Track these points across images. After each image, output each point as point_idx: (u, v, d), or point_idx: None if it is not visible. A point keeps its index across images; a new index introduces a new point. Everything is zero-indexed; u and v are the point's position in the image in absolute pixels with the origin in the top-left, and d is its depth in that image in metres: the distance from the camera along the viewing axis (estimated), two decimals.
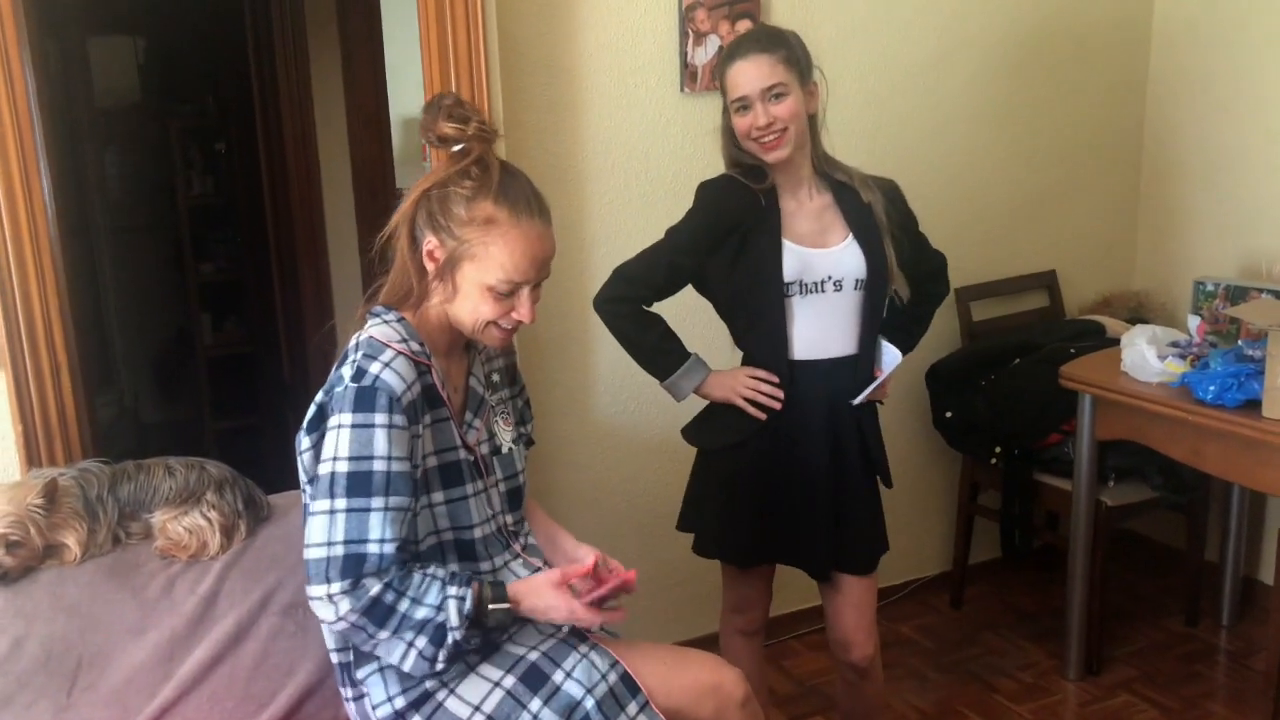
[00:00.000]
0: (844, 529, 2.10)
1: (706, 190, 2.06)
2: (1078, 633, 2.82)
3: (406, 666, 1.51)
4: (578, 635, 1.70)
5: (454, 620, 1.48)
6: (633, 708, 1.62)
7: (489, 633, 1.58)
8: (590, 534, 2.77)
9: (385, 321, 1.60)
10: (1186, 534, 3.01)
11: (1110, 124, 3.31)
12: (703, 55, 2.69)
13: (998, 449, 2.94)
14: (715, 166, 2.81)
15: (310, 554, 1.48)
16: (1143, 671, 2.86)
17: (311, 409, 1.56)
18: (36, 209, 2.01)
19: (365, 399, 1.48)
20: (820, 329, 2.03)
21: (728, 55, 1.99)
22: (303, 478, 1.60)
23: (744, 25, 2.72)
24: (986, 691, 2.81)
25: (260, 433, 4.25)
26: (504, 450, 1.74)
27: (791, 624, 3.08)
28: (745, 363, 2.10)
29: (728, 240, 2.00)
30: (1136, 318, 3.16)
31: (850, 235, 2.03)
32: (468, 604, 1.49)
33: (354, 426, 1.48)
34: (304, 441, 1.57)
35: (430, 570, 1.52)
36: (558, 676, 1.61)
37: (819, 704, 2.76)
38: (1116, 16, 3.23)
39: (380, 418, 1.48)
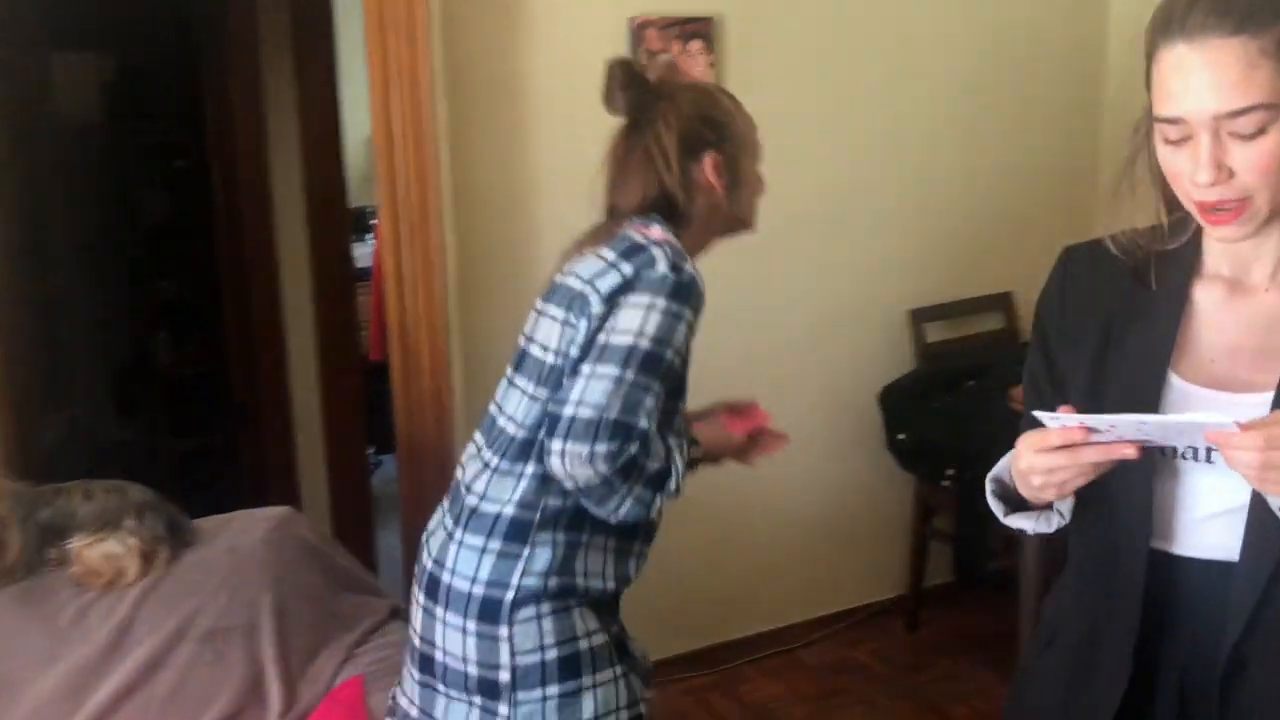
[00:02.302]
0: None
1: (1057, 269, 1.27)
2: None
3: (621, 514, 1.53)
4: None
5: (680, 469, 1.56)
6: None
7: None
8: None
9: (665, 230, 1.62)
10: None
11: (1066, 145, 3.31)
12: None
13: (950, 471, 2.92)
14: None
15: (581, 411, 1.46)
16: None
17: (614, 279, 1.54)
18: None
19: (683, 292, 1.53)
20: (1192, 506, 1.14)
21: (1165, 21, 1.07)
22: (552, 339, 1.57)
23: (696, 45, 2.71)
24: (939, 718, 2.78)
25: (217, 453, 4.21)
26: None
27: (746, 649, 3.05)
28: (1070, 544, 1.30)
29: (1079, 347, 1.20)
30: None
31: None
32: (686, 454, 1.59)
33: (665, 312, 1.51)
34: (598, 308, 1.53)
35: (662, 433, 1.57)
36: None
37: None
38: (1070, 36, 3.24)
39: (689, 313, 1.54)
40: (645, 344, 1.49)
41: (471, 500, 1.59)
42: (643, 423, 1.49)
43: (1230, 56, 1.00)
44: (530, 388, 1.58)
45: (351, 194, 3.55)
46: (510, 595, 1.53)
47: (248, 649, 1.82)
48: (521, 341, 1.67)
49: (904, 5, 2.98)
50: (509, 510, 1.56)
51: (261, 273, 3.38)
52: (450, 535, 1.60)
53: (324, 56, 3.26)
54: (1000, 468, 1.23)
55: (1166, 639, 1.16)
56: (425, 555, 1.66)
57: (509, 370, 1.67)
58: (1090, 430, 1.01)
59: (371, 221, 4.69)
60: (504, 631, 1.54)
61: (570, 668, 1.56)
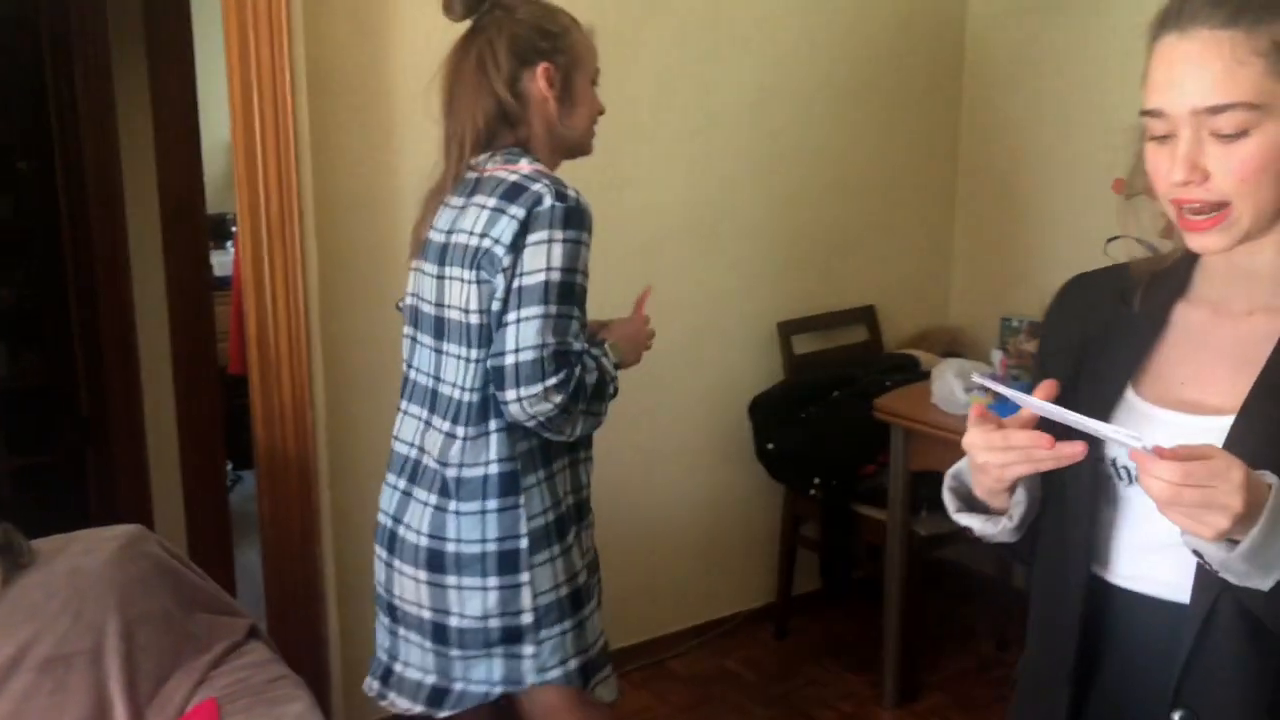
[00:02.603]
0: None
1: (1055, 295, 1.25)
2: (893, 662, 2.86)
3: (579, 432, 1.68)
4: None
5: (613, 372, 1.71)
6: None
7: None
8: None
9: (534, 163, 1.69)
10: (995, 561, 3.11)
11: (927, 165, 3.43)
12: None
13: (817, 480, 2.98)
14: None
15: (524, 356, 1.57)
16: (955, 698, 2.93)
17: (511, 226, 1.60)
18: None
19: (575, 218, 1.61)
20: (1143, 541, 1.09)
21: (1164, 14, 1.02)
22: (470, 300, 1.63)
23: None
24: None
25: (62, 471, 3.98)
26: None
27: (617, 661, 3.02)
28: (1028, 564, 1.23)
29: (1061, 368, 1.14)
30: (950, 352, 3.27)
31: (1245, 407, 1.02)
32: (610, 357, 1.73)
33: (565, 241, 1.60)
34: (506, 259, 1.60)
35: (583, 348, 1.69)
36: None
37: None
38: (929, 62, 3.36)
39: (586, 236, 1.63)
40: (556, 276, 1.59)
41: (452, 471, 1.67)
42: (576, 345, 1.62)
43: (1217, 50, 0.96)
44: (465, 352, 1.66)
45: (212, 199, 3.41)
46: (524, 543, 1.67)
47: (92, 676, 1.72)
48: (428, 309, 1.73)
49: (769, 25, 3.04)
50: (494, 469, 1.66)
51: (111, 281, 3.21)
52: (441, 508, 1.68)
53: (180, 52, 3.12)
54: (962, 464, 1.18)
55: (1101, 672, 1.11)
56: (412, 535, 1.72)
57: (426, 339, 1.74)
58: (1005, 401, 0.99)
59: (233, 229, 4.53)
60: (525, 578, 1.68)
61: (576, 601, 1.74)
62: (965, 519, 1.17)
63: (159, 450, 3.28)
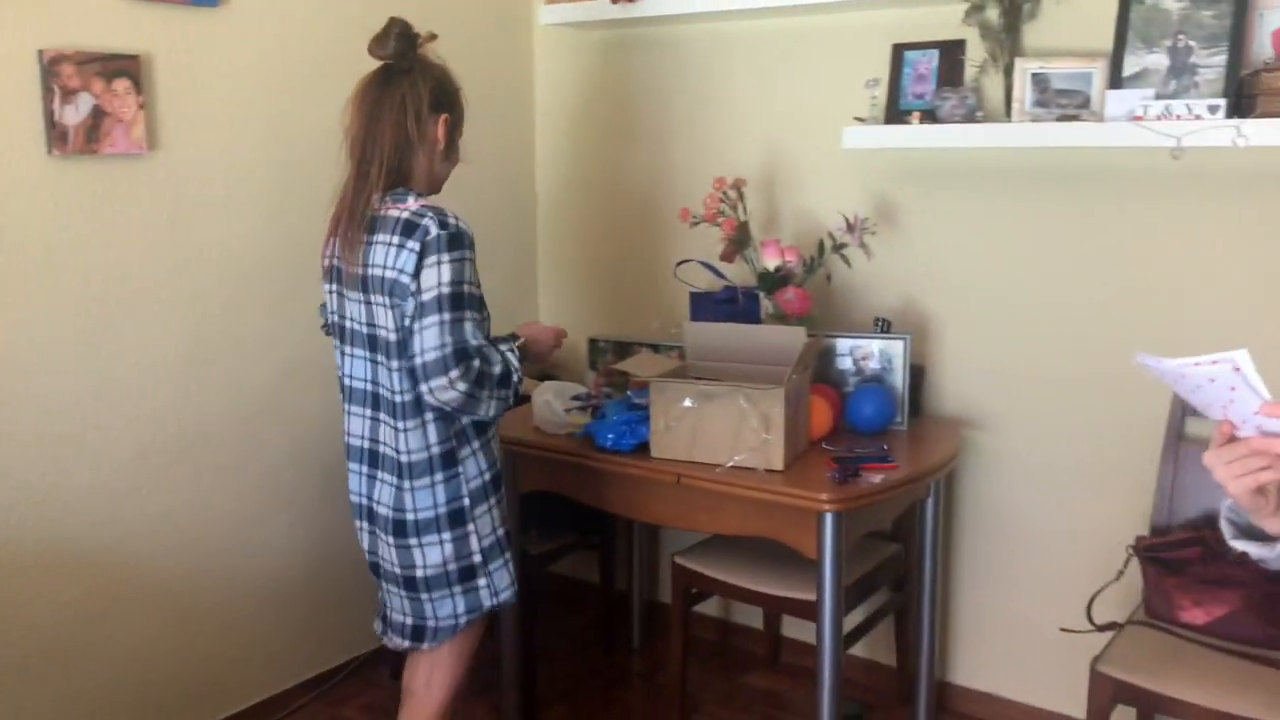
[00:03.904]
0: None
1: None
2: (512, 682, 2.92)
3: (491, 413, 2.05)
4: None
5: (515, 365, 2.09)
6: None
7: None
8: None
9: (418, 198, 2.05)
10: (600, 570, 3.28)
11: (509, 199, 3.55)
12: (73, 114, 2.41)
13: None
14: (91, 239, 2.53)
15: (428, 356, 1.95)
16: (573, 707, 3.05)
17: (411, 258, 1.97)
18: None
19: (456, 241, 1.98)
20: None
21: None
22: (390, 322, 2.01)
23: (122, 84, 2.49)
24: None
25: None
26: None
27: None
28: None
29: None
30: (546, 375, 3.40)
31: None
32: (515, 353, 2.12)
33: (450, 261, 1.97)
34: (412, 285, 1.97)
35: (489, 342, 2.08)
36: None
37: None
38: (505, 105, 3.49)
39: (469, 254, 2.01)
40: (446, 289, 1.96)
41: (405, 457, 2.06)
42: (473, 342, 1.99)
43: None
44: (394, 363, 2.03)
45: None
46: (467, 501, 2.10)
47: None
48: (360, 327, 2.08)
49: (338, 65, 2.98)
50: (435, 450, 2.07)
51: None
52: (400, 488, 2.08)
53: None
54: None
55: None
56: (383, 509, 2.11)
57: (359, 351, 2.10)
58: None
59: None
60: (471, 528, 2.11)
61: (507, 541, 2.20)
62: (1242, 545, 1.20)
63: None
